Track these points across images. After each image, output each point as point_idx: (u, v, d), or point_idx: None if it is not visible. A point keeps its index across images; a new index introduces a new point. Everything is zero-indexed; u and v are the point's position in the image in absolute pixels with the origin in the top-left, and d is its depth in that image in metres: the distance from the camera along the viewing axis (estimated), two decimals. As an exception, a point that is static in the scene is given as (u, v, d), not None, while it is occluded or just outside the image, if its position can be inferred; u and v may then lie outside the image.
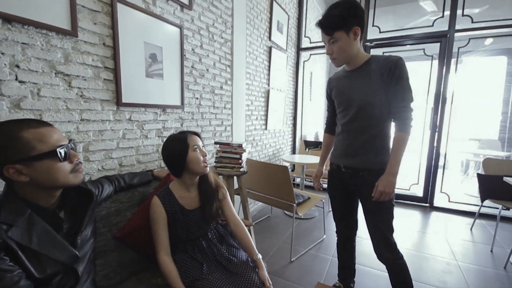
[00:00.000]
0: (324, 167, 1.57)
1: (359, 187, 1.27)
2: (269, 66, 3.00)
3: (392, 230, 1.24)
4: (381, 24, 3.19)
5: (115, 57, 1.30)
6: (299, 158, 3.02)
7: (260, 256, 1.23)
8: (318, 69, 5.25)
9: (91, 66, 1.22)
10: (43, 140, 0.68)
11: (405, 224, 2.69)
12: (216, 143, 1.83)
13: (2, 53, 0.93)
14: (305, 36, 3.81)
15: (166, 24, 1.58)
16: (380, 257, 1.27)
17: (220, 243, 1.25)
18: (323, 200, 2.40)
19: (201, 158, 1.14)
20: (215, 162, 1.82)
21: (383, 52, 3.31)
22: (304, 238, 2.35)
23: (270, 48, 2.96)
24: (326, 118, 1.53)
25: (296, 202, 2.16)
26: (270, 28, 2.93)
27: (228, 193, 1.32)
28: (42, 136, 0.68)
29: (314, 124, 5.05)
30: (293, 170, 3.83)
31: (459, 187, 4.26)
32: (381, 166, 1.18)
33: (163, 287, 1.10)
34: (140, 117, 1.47)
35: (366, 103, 1.18)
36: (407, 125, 1.13)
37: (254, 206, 2.94)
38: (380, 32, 3.17)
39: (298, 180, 3.80)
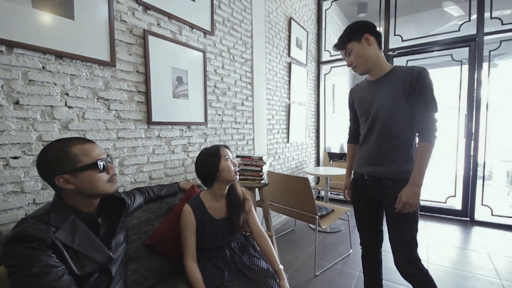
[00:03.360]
0: None
1: (382, 196, 1.25)
2: (289, 81, 3.08)
3: (415, 244, 1.20)
4: (403, 32, 3.15)
5: (147, 82, 1.47)
6: (322, 170, 2.99)
7: (281, 266, 1.25)
8: (342, 81, 5.23)
9: (126, 91, 1.39)
10: (87, 154, 0.81)
11: (441, 239, 2.50)
12: (237, 156, 1.91)
13: (55, 84, 1.12)
14: (325, 50, 3.87)
15: (191, 49, 1.75)
16: (402, 272, 1.22)
17: (241, 252, 1.30)
18: (348, 213, 2.34)
19: (232, 167, 1.23)
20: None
21: (407, 61, 3.24)
22: (330, 252, 2.30)
23: (289, 64, 3.06)
24: (349, 128, 1.55)
25: (319, 214, 2.14)
26: (289, 45, 3.04)
27: (253, 206, 1.38)
28: (86, 151, 0.81)
29: (338, 136, 4.97)
30: (317, 183, 3.77)
31: (505, 199, 3.85)
32: (405, 176, 1.16)
33: (187, 293, 1.17)
34: (167, 134, 1.62)
35: (388, 113, 1.20)
36: (431, 135, 1.12)
37: (278, 219, 2.94)
38: (402, 40, 3.12)
39: (323, 193, 3.73)
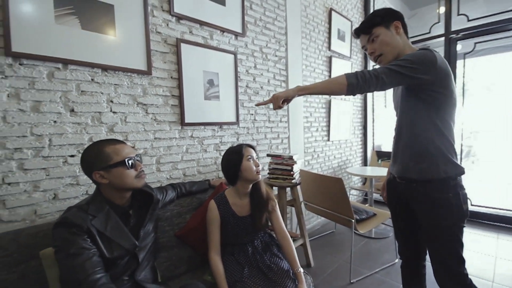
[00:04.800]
0: None
1: (413, 201, 1.12)
2: (330, 76, 2.93)
3: (460, 259, 1.03)
4: (469, 11, 2.68)
5: (180, 86, 1.60)
6: (369, 171, 2.77)
7: (301, 270, 1.23)
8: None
9: (161, 96, 1.54)
10: (117, 153, 0.93)
11: (518, 258, 2.07)
12: (268, 155, 1.92)
13: (102, 93, 1.31)
14: (373, 39, 3.55)
15: (222, 52, 1.82)
16: None
17: (264, 251, 1.32)
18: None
19: (254, 167, 1.25)
20: (268, 173, 1.91)
21: (475, 43, 2.75)
22: (372, 259, 2.13)
23: (330, 58, 2.91)
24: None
25: (358, 218, 2.01)
26: (329, 38, 2.89)
27: (277, 206, 1.38)
28: (117, 150, 0.94)
29: (391, 133, 4.51)
30: (364, 184, 3.51)
31: None
32: (432, 177, 1.02)
33: (211, 284, 1.24)
34: (200, 134, 1.73)
35: (407, 108, 1.08)
36: (355, 74, 0.96)
37: (318, 220, 2.85)
38: (468, 20, 2.66)
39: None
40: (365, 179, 3.53)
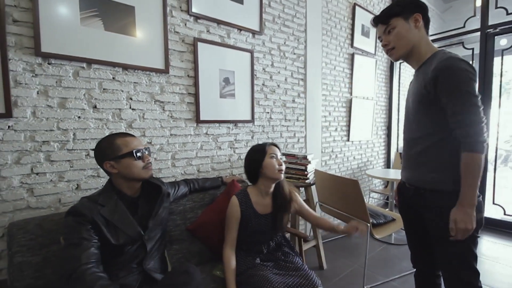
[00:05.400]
0: None
1: (422, 208, 1.05)
2: (351, 74, 2.83)
3: (473, 271, 0.96)
4: (508, 4, 2.44)
5: (196, 84, 1.64)
6: (391, 173, 2.65)
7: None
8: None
9: (178, 94, 1.58)
10: (127, 145, 0.99)
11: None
12: (283, 154, 1.91)
13: (122, 91, 1.38)
14: (401, 35, 3.36)
15: (238, 51, 1.83)
16: None
17: (276, 250, 1.32)
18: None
19: (276, 165, 1.23)
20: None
21: (517, 38, 2.50)
22: (389, 266, 2.04)
23: (352, 55, 2.81)
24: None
25: (375, 222, 1.93)
26: (352, 35, 2.79)
27: (299, 197, 1.39)
28: (127, 143, 1.00)
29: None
30: (386, 187, 3.37)
31: None
32: (442, 187, 0.96)
33: (219, 280, 1.27)
34: (214, 131, 1.76)
35: (417, 109, 1.02)
36: (472, 143, 0.87)
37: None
38: (507, 14, 2.43)
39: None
40: (386, 182, 3.38)
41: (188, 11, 1.58)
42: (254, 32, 1.92)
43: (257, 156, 1.24)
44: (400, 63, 3.43)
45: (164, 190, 1.15)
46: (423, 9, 1.01)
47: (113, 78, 1.35)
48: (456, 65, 0.88)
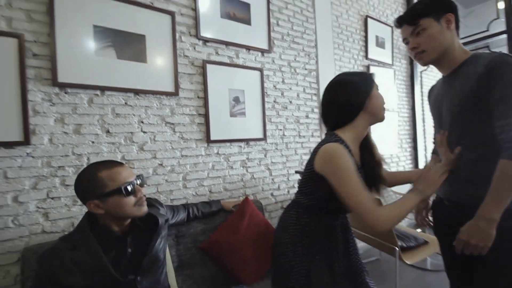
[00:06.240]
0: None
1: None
2: (368, 86, 2.73)
3: None
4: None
5: (206, 105, 1.65)
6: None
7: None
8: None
9: (188, 115, 1.60)
10: (113, 178, 0.83)
11: None
12: (296, 172, 1.83)
13: (134, 115, 1.42)
14: (419, 44, 3.24)
15: (247, 70, 1.84)
16: None
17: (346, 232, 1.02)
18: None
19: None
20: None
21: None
22: (425, 295, 1.81)
23: (367, 67, 2.73)
24: (433, 136, 1.22)
25: (405, 245, 1.75)
26: (366, 47, 2.73)
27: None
28: (113, 176, 0.83)
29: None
30: (416, 204, 3.09)
31: None
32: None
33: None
34: (226, 151, 1.74)
35: (460, 116, 0.90)
36: None
37: (360, 243, 2.57)
38: (538, 10, 2.25)
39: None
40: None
41: (196, 35, 1.64)
42: (263, 51, 1.93)
43: (364, 86, 0.90)
44: (421, 71, 3.28)
45: (161, 223, 1.01)
46: (455, 9, 0.93)
47: (125, 103, 1.40)
48: (508, 59, 0.79)
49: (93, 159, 1.30)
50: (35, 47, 1.18)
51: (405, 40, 1.00)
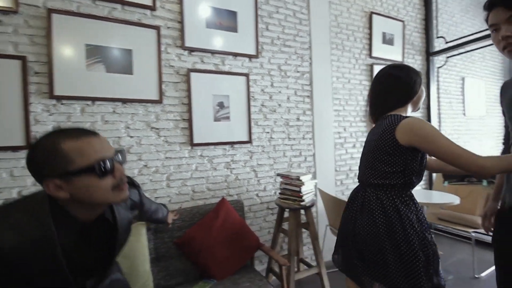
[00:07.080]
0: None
1: None
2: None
3: None
4: None
5: (190, 110, 1.78)
6: (431, 196, 2.29)
7: None
8: (479, 71, 3.80)
9: (173, 120, 1.74)
10: (82, 153, 0.60)
11: None
12: (278, 174, 1.88)
13: (121, 121, 1.60)
14: (437, 37, 2.99)
15: (233, 75, 1.92)
16: None
17: None
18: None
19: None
20: (279, 193, 1.86)
21: None
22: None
23: (371, 66, 2.61)
24: (503, 136, 1.15)
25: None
26: (370, 45, 2.61)
27: None
28: (82, 148, 0.61)
29: (471, 146, 3.61)
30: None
31: None
32: None
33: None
34: (210, 153, 1.85)
35: None
36: None
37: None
38: None
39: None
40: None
41: (182, 46, 1.76)
42: (250, 56, 1.99)
43: (419, 80, 1.04)
44: (438, 67, 3.03)
45: (132, 216, 0.87)
46: None
47: (113, 111, 1.58)
48: None
49: (85, 161, 1.50)
50: (36, 66, 1.41)
51: (494, 26, 0.85)
